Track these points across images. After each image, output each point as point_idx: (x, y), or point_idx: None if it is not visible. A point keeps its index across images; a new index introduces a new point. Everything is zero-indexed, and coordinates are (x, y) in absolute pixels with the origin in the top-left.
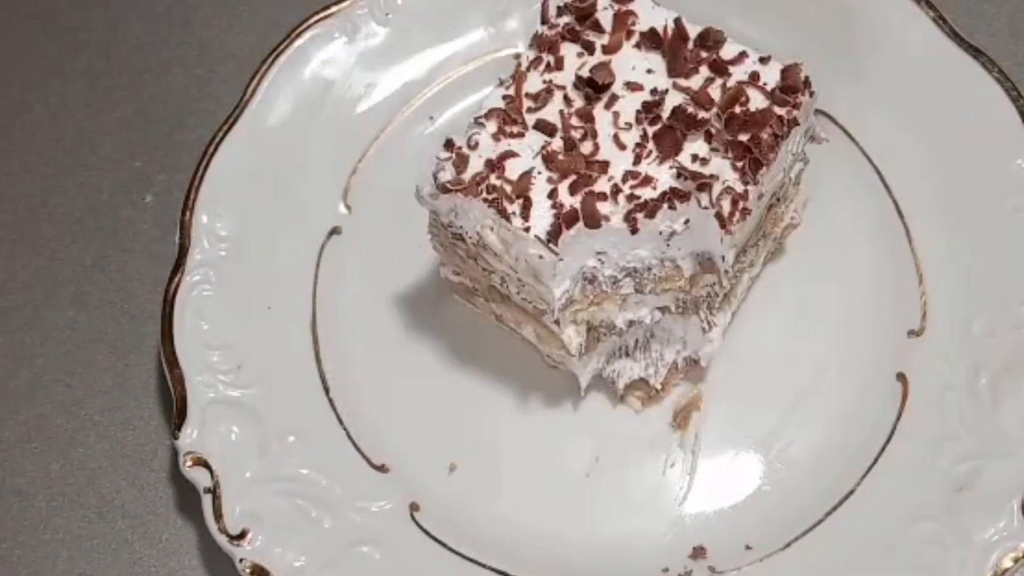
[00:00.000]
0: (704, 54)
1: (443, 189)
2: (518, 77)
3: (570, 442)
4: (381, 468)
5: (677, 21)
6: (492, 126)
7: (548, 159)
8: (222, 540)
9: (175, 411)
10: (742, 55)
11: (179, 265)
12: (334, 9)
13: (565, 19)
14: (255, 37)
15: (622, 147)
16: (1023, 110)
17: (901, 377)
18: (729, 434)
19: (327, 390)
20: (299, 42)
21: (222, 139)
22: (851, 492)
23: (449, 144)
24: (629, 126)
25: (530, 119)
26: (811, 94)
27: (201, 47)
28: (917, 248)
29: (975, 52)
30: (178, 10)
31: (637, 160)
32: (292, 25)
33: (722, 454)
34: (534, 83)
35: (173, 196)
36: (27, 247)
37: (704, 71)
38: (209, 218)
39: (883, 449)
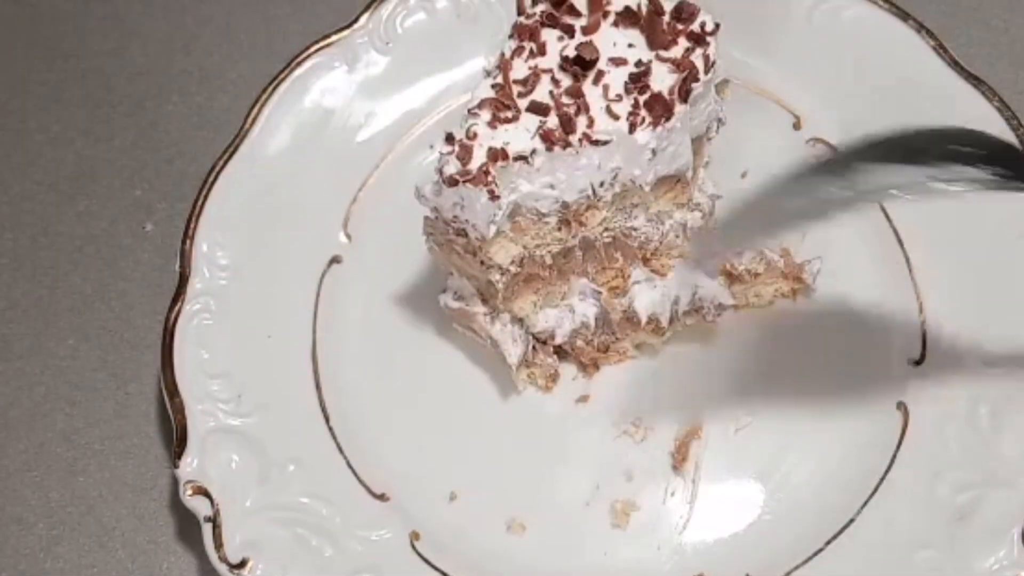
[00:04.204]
0: (680, 26)
1: (451, 182)
2: (503, 66)
3: (570, 471)
4: (381, 497)
5: None
6: (486, 114)
7: (546, 137)
8: (222, 569)
9: (175, 440)
10: (718, 26)
11: (179, 293)
12: (334, 38)
13: (541, 7)
14: (255, 65)
15: (615, 118)
16: None
17: (901, 406)
18: (729, 463)
19: (327, 419)
20: (299, 71)
21: (222, 168)
22: (851, 521)
23: (450, 138)
24: (620, 97)
25: (522, 103)
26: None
27: (202, 75)
28: (917, 277)
29: (975, 81)
30: (179, 38)
31: (632, 129)
32: (292, 54)
33: (722, 482)
34: (520, 70)
35: (173, 224)
36: (27, 275)
37: (683, 41)
38: (209, 247)
39: (883, 478)
